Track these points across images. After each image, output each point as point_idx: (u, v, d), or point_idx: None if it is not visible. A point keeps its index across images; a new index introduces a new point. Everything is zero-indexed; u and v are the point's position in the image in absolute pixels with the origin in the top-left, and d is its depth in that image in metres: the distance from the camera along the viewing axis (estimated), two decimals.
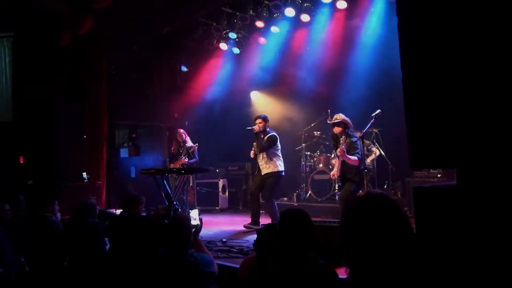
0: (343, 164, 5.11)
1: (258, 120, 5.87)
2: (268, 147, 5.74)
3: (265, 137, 5.82)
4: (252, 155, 5.89)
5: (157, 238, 2.69)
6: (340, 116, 5.21)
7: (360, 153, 4.99)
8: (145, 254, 2.70)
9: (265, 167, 5.79)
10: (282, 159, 5.92)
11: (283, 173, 5.89)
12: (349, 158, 4.95)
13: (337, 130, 5.18)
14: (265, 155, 5.79)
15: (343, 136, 5.03)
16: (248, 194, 6.10)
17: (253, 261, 2.77)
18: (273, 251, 2.60)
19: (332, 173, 5.50)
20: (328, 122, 5.35)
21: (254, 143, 5.89)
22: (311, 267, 2.18)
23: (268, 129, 5.90)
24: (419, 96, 1.92)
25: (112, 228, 3.16)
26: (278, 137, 5.90)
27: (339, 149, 5.00)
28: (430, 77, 1.87)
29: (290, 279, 2.13)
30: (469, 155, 1.74)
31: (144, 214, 4.08)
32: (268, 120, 5.95)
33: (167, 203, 4.10)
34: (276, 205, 5.78)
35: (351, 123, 5.23)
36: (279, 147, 5.91)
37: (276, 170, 5.76)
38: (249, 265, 2.77)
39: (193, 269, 2.49)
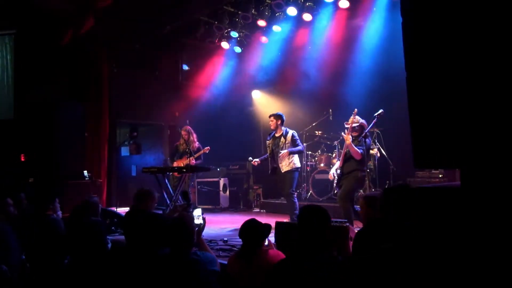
0: (345, 162, 5.02)
1: (270, 119, 5.79)
2: (298, 148, 5.69)
3: (288, 138, 5.69)
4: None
5: (163, 236, 2.69)
6: (358, 119, 4.94)
7: (364, 149, 4.87)
8: (150, 251, 2.70)
9: (285, 165, 5.67)
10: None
11: (299, 168, 5.87)
12: (354, 147, 4.78)
13: (354, 134, 4.93)
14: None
15: (350, 124, 4.85)
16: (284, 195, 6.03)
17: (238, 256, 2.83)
18: (256, 246, 2.74)
19: (330, 173, 5.35)
20: (346, 125, 5.03)
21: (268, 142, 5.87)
22: (333, 262, 2.19)
23: (283, 128, 5.78)
24: (423, 96, 1.91)
25: (123, 223, 3.15)
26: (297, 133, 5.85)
27: (346, 135, 4.84)
28: (434, 77, 1.87)
29: (315, 274, 2.14)
30: (473, 156, 1.73)
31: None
32: (280, 117, 5.77)
33: (184, 201, 4.09)
34: (297, 201, 5.67)
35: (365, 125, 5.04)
36: None
37: (296, 166, 5.70)
38: (235, 261, 2.82)
39: (196, 267, 2.49)
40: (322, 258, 2.20)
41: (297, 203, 5.63)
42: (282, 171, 5.68)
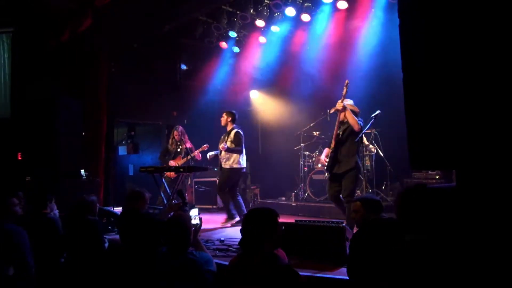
0: (340, 160, 4.73)
1: (222, 115, 6.11)
2: (237, 147, 5.86)
3: (231, 135, 5.92)
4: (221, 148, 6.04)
5: (159, 235, 2.69)
6: (347, 101, 4.75)
7: (363, 125, 4.68)
8: (147, 251, 2.70)
9: (224, 162, 5.94)
10: (244, 155, 6.02)
11: (244, 170, 6.07)
12: (351, 114, 4.56)
13: (342, 116, 4.71)
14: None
15: (344, 92, 4.69)
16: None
17: (237, 260, 2.78)
18: (258, 249, 2.60)
19: (324, 156, 4.99)
20: (334, 110, 4.84)
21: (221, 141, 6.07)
22: (272, 267, 2.17)
23: (234, 125, 6.04)
24: (420, 97, 1.92)
25: (118, 224, 3.15)
26: (242, 132, 6.02)
27: (336, 106, 4.69)
28: (431, 79, 1.88)
29: (254, 279, 2.14)
30: (469, 157, 1.74)
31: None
32: (231, 115, 6.08)
33: (181, 200, 4.10)
34: (238, 202, 5.88)
35: (357, 110, 4.89)
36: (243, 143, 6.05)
37: (235, 167, 5.90)
38: (233, 265, 2.77)
39: (192, 267, 2.49)
40: (264, 261, 2.17)
41: (241, 203, 5.87)
42: (222, 166, 5.95)
